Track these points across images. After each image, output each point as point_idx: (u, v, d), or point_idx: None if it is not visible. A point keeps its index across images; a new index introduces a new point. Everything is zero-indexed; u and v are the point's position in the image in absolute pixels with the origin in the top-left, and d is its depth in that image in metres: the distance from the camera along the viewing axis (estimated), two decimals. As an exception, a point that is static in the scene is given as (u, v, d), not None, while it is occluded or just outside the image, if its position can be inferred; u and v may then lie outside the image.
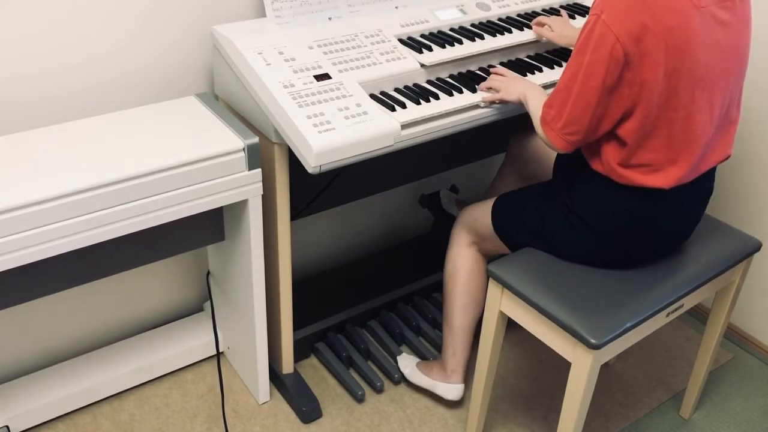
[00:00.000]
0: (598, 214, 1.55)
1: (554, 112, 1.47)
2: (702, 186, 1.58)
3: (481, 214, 1.78)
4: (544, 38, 1.86)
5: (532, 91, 1.60)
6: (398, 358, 2.08)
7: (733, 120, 1.56)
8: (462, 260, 1.84)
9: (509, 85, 1.64)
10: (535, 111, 1.55)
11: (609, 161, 1.48)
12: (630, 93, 1.38)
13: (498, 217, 1.73)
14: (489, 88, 1.67)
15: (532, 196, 1.70)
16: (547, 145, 1.54)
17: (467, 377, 1.97)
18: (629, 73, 1.36)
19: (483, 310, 1.72)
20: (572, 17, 2.00)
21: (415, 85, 1.70)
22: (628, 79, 1.37)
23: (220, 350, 2.10)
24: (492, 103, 1.66)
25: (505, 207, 1.73)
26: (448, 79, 1.73)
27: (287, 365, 2.00)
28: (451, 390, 1.93)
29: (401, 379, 2.06)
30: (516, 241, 1.71)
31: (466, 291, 1.84)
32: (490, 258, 1.84)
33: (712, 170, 1.58)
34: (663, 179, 1.47)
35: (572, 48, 1.85)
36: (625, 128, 1.43)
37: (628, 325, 1.48)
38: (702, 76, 1.40)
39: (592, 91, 1.39)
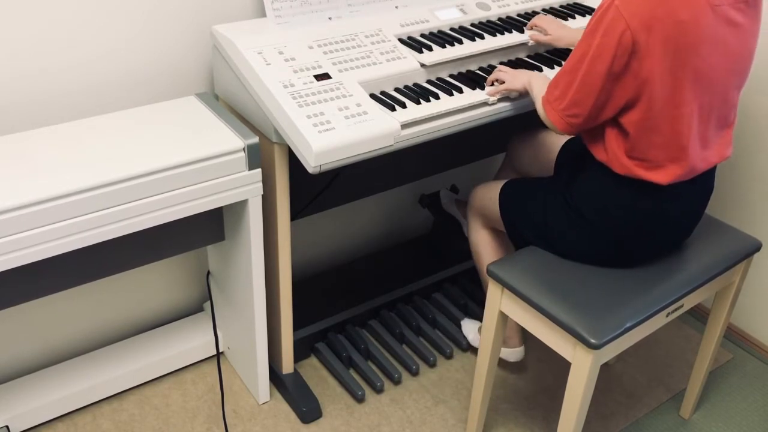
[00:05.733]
0: (598, 210, 1.55)
1: (558, 93, 1.48)
2: (702, 184, 1.58)
3: (489, 203, 1.81)
4: (541, 41, 1.85)
5: (537, 78, 1.62)
6: (462, 323, 2.17)
7: (731, 122, 1.56)
8: (482, 241, 1.89)
9: (515, 75, 1.66)
10: (539, 94, 1.57)
11: (614, 149, 1.49)
12: (634, 83, 1.39)
13: (505, 205, 1.76)
14: (494, 83, 1.68)
15: (537, 191, 1.70)
16: (547, 125, 1.55)
17: (525, 340, 2.05)
18: (636, 62, 1.36)
19: None
20: (572, 17, 2.00)
21: (415, 84, 1.70)
22: (634, 69, 1.37)
23: (220, 350, 2.10)
24: (498, 93, 1.66)
25: (513, 196, 1.75)
26: (448, 79, 1.73)
27: (287, 365, 2.00)
28: (513, 353, 2.01)
29: (401, 379, 2.06)
30: (518, 234, 1.72)
31: None
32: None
33: (712, 169, 1.59)
34: (662, 176, 1.47)
35: (572, 48, 1.86)
36: (628, 117, 1.43)
37: (628, 325, 1.48)
38: (706, 74, 1.40)
39: (598, 76, 1.39)
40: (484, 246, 1.89)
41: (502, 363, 2.14)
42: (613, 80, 1.39)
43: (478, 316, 2.23)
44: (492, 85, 1.69)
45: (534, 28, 1.88)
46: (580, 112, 1.46)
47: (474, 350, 2.18)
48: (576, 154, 1.65)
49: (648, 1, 1.33)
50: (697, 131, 1.45)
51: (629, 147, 1.46)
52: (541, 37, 1.85)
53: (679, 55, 1.36)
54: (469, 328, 2.17)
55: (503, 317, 1.66)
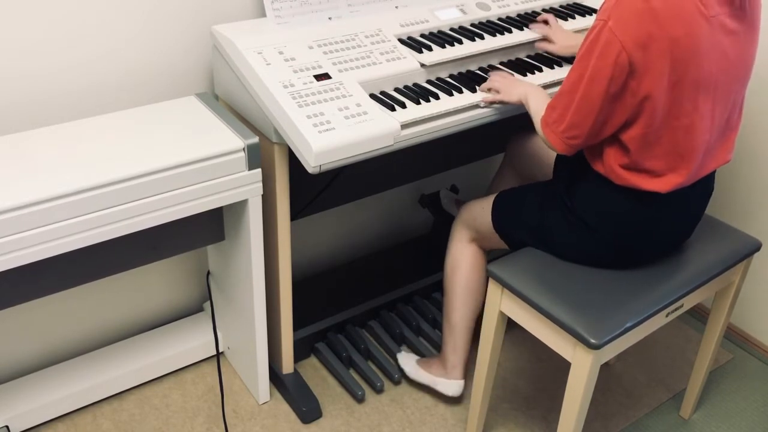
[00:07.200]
0: (598, 215, 1.55)
1: (556, 115, 1.47)
2: (702, 187, 1.58)
3: (480, 212, 1.78)
4: (547, 50, 1.85)
5: (533, 93, 1.60)
6: (398, 355, 2.08)
7: (734, 126, 1.55)
8: (462, 256, 1.85)
9: (510, 86, 1.64)
10: (537, 112, 1.55)
11: (611, 163, 1.48)
12: (633, 102, 1.38)
13: (498, 215, 1.74)
14: (489, 89, 1.67)
15: (533, 195, 1.70)
16: (547, 147, 1.53)
17: (467, 374, 1.97)
18: (634, 81, 1.35)
19: (483, 306, 1.72)
20: (572, 17, 2.00)
21: (415, 84, 1.70)
22: (632, 88, 1.36)
23: (220, 350, 2.10)
24: (492, 103, 1.66)
25: (505, 205, 1.73)
26: (448, 79, 1.73)
27: (287, 365, 2.00)
28: (451, 386, 1.93)
29: (401, 379, 2.06)
30: (515, 239, 1.71)
31: (466, 287, 1.84)
32: (490, 254, 1.85)
33: (712, 172, 1.58)
34: (662, 184, 1.47)
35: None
36: (628, 134, 1.42)
37: (628, 325, 1.48)
38: (706, 84, 1.39)
39: (596, 97, 1.38)
40: (465, 260, 1.83)
41: (502, 364, 2.14)
42: (611, 101, 1.38)
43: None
44: (488, 91, 1.67)
45: (539, 31, 1.87)
46: (579, 133, 1.44)
47: (410, 381, 2.06)
48: (575, 155, 1.65)
49: (641, 20, 1.32)
50: (698, 138, 1.45)
51: (628, 161, 1.45)
52: (548, 46, 1.85)
53: (677, 70, 1.35)
54: (406, 360, 2.06)
55: (503, 317, 1.66)
